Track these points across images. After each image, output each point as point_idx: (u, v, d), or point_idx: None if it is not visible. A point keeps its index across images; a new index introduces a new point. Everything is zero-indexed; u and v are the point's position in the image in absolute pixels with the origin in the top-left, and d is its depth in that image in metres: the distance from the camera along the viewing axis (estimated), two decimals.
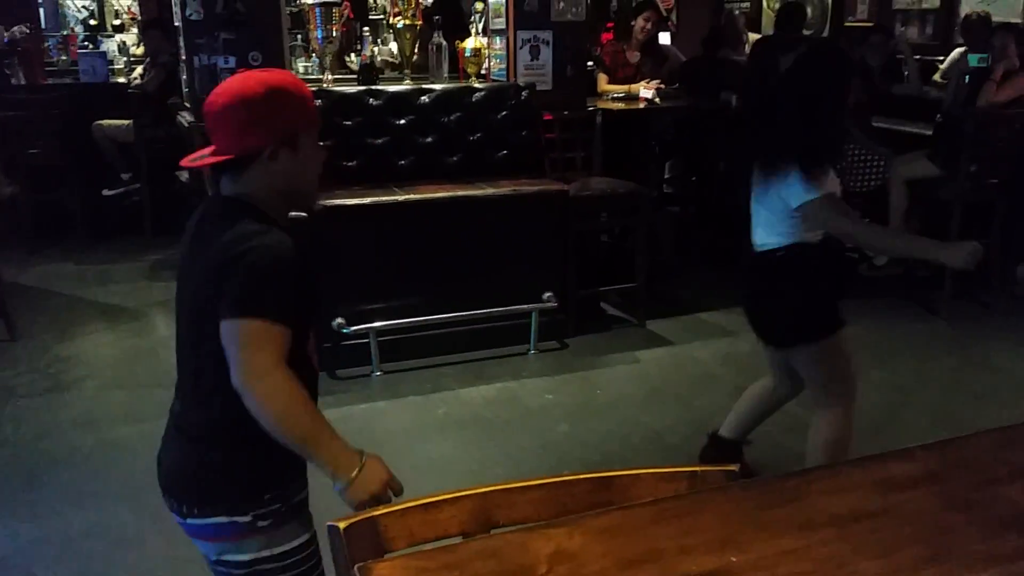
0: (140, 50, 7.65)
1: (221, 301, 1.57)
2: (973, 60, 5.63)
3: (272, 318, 1.56)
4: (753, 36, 7.90)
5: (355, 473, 1.58)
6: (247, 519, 1.65)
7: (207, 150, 1.70)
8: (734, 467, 1.48)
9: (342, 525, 1.24)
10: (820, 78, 2.76)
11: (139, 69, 7.30)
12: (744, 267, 3.02)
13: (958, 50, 6.84)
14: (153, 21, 7.12)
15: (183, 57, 4.61)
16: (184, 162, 1.74)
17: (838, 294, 2.86)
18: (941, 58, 7.39)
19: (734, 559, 1.21)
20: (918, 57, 6.84)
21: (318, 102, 4.30)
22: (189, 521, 1.69)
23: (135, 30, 8.26)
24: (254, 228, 1.62)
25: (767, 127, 2.84)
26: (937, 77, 7.05)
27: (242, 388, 1.56)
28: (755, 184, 2.80)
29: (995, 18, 6.65)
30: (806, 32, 7.75)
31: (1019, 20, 7.08)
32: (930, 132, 5.59)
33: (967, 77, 5.74)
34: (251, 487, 1.66)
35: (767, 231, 2.79)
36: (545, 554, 1.21)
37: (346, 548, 1.23)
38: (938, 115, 5.63)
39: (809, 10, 8.28)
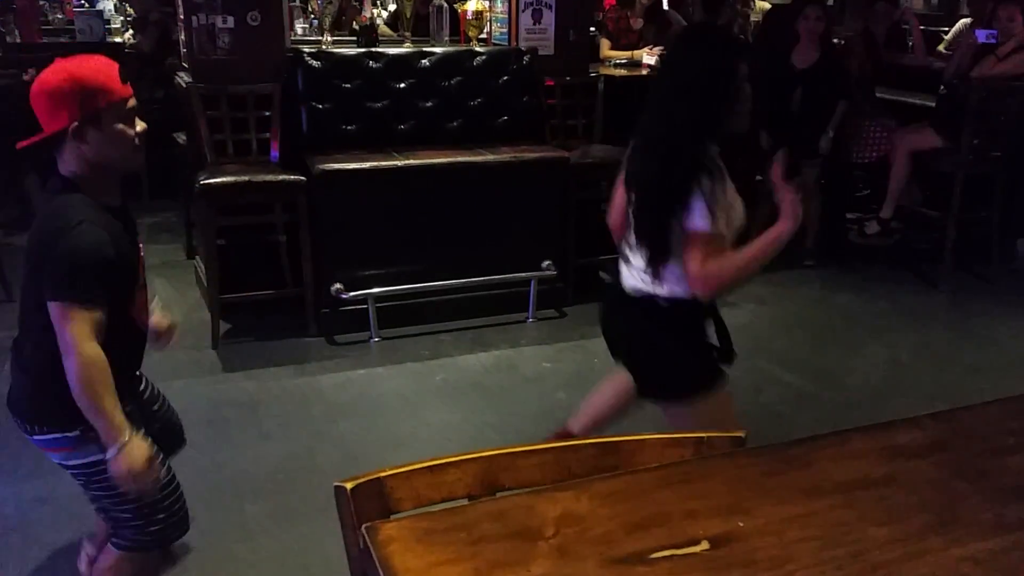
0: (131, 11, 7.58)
1: (44, 280, 1.89)
2: (983, 36, 5.56)
3: (84, 302, 1.87)
4: (762, 4, 7.79)
5: (124, 440, 1.92)
6: (76, 432, 2.00)
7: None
8: (742, 433, 1.48)
9: (349, 485, 1.23)
10: (694, 62, 2.38)
11: (129, 32, 7.22)
12: (611, 303, 2.59)
13: (963, 21, 6.79)
14: None
15: (181, 17, 4.54)
16: (19, 145, 2.00)
17: (721, 345, 2.44)
18: (946, 28, 7.34)
19: (741, 524, 1.21)
20: (923, 27, 6.79)
21: (316, 63, 4.33)
22: (35, 437, 2.06)
23: None
24: (72, 213, 1.90)
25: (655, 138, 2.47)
26: (942, 48, 7.01)
27: (62, 354, 1.89)
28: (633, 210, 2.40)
29: None
30: None
31: None
32: (933, 103, 5.56)
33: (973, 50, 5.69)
34: (74, 408, 1.93)
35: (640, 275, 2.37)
36: (552, 517, 1.20)
37: (352, 508, 1.23)
38: (941, 86, 5.59)
39: None
